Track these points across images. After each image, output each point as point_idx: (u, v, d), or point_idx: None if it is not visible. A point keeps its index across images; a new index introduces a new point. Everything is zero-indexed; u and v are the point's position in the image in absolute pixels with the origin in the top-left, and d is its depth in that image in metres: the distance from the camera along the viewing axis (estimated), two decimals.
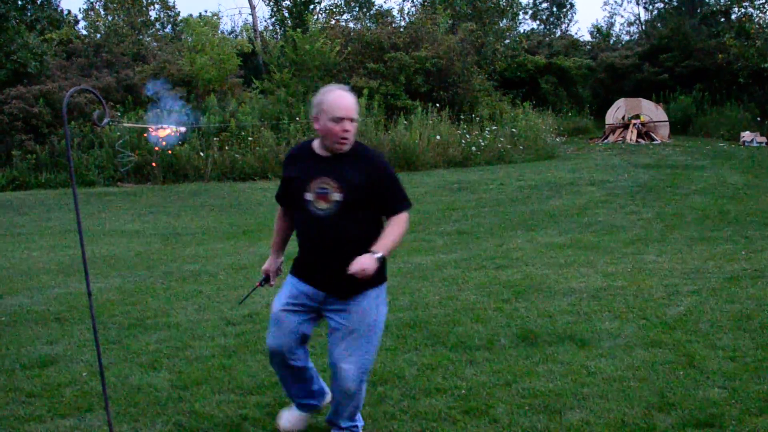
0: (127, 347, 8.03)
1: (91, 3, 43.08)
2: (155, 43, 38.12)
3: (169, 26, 45.98)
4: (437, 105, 29.59)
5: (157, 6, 44.42)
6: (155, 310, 9.51)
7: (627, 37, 61.09)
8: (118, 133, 23.67)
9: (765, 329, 8.08)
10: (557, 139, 33.45)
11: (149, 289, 10.58)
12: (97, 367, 7.23)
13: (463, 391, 6.56)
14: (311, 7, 38.95)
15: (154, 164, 22.78)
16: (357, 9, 48.09)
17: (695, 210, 16.31)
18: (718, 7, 50.40)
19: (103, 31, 35.95)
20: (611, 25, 64.16)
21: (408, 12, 43.54)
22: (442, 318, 8.84)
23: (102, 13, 41.51)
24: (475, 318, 8.78)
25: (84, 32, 39.11)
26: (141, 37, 38.21)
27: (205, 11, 61.47)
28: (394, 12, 45.73)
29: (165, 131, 7.06)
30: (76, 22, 42.53)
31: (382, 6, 47.60)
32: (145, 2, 42.52)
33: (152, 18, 44.16)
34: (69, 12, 42.69)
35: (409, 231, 14.46)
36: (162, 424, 6.10)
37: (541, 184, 21.34)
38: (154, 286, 10.80)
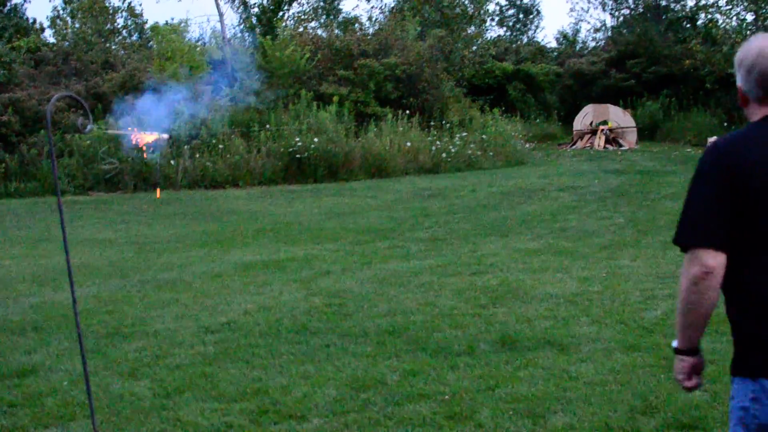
0: (106, 355, 8.01)
1: (58, 11, 42.95)
2: (123, 51, 38.00)
3: (136, 34, 45.86)
4: (407, 112, 29.62)
5: (124, 14, 44.30)
6: (132, 318, 9.48)
7: (593, 44, 61.35)
8: (88, 141, 23.54)
9: None
10: (526, 146, 33.57)
11: (125, 298, 10.54)
12: (77, 375, 7.25)
13: (447, 397, 6.59)
14: (280, 14, 38.97)
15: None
16: (325, 17, 48.09)
17: (667, 215, 16.38)
18: (683, 13, 50.77)
19: (71, 39, 35.76)
20: (577, 31, 64.35)
21: (376, 19, 43.69)
22: (421, 324, 8.86)
23: (69, 21, 41.39)
24: (454, 324, 8.82)
25: (52, 40, 38.93)
26: (108, 44, 38.06)
27: (172, 19, 61.38)
28: (363, 19, 45.76)
29: (151, 137, 7.02)
30: (42, 30, 42.36)
31: (349, 13, 47.46)
32: (111, 10, 42.43)
33: (119, 26, 44.03)
34: (35, 20, 42.54)
35: (382, 237, 14.54)
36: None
37: (512, 190, 21.43)
38: (130, 294, 10.76)
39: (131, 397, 6.82)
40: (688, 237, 3.42)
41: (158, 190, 17.81)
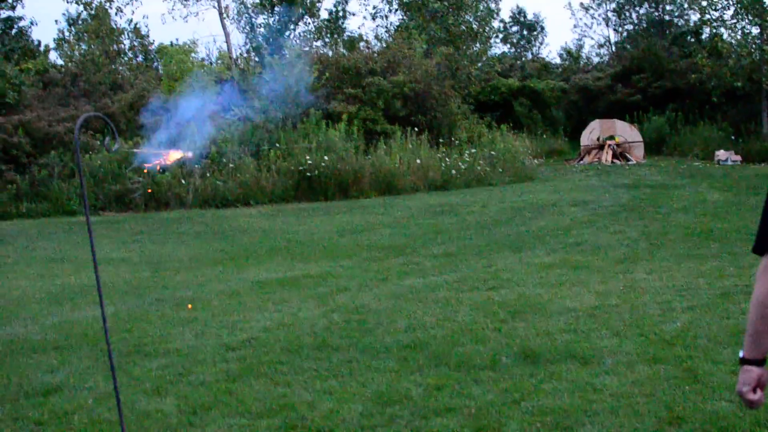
0: (129, 373, 8.02)
1: (63, 33, 43.08)
2: (129, 72, 38.10)
3: (141, 55, 45.96)
4: (416, 129, 29.71)
5: (130, 35, 44.41)
6: (152, 336, 9.50)
7: (597, 59, 61.51)
8: (99, 162, 23.63)
9: None
10: (534, 161, 33.62)
11: (143, 316, 10.56)
12: (101, 393, 7.29)
13: (473, 410, 6.59)
14: (286, 34, 39.13)
15: (149, 190, 22.76)
16: (329, 36, 48.23)
17: (679, 228, 16.43)
18: (687, 27, 50.90)
19: (78, 60, 35.87)
20: (580, 47, 64.57)
21: (380, 37, 43.83)
22: (441, 339, 8.87)
23: (74, 43, 41.50)
24: (475, 338, 8.82)
25: (60, 62, 39.08)
26: (114, 66, 38.18)
27: (177, 40, 61.60)
28: (370, 37, 45.90)
29: (176, 155, 7.01)
30: (47, 51, 42.53)
31: (354, 32, 47.60)
32: (117, 32, 42.55)
33: (125, 47, 44.15)
34: (39, 42, 42.71)
35: (396, 254, 14.55)
36: None
37: (523, 205, 21.46)
38: (148, 312, 10.78)
39: (158, 414, 6.84)
40: (765, 244, 3.46)
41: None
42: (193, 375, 7.91)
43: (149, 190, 23.17)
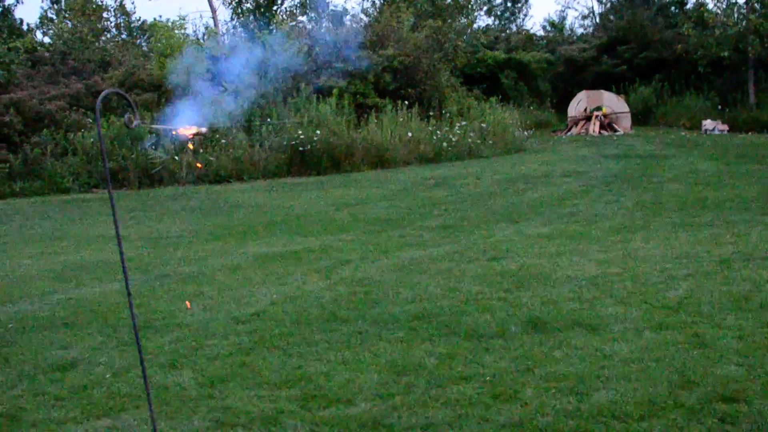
0: (143, 348, 8.10)
1: (45, 12, 42.92)
2: (115, 50, 37.96)
3: (125, 32, 45.78)
4: (406, 102, 29.76)
5: (115, 12, 44.24)
6: (161, 312, 9.59)
7: (581, 30, 61.50)
8: (92, 140, 23.66)
9: (765, 309, 8.31)
10: (524, 133, 33.73)
11: (150, 292, 10.64)
12: (117, 368, 7.41)
13: (488, 378, 6.72)
14: (274, 8, 39.04)
15: (199, 165, 22.81)
16: (313, 11, 48.06)
17: (673, 197, 16.58)
18: None
19: (67, 39, 35.74)
20: (563, 18, 64.52)
21: (367, 11, 43.74)
22: (448, 309, 8.99)
23: (56, 20, 41.37)
24: (481, 308, 8.94)
25: (47, 40, 38.95)
26: (100, 44, 38.04)
27: (159, 16, 61.27)
28: (356, 11, 45.80)
29: (192, 130, 7.06)
30: (30, 30, 42.32)
31: (337, 6, 47.43)
32: (102, 8, 42.39)
33: (111, 24, 44.01)
34: (21, 21, 42.51)
35: (393, 226, 14.64)
36: (199, 420, 6.21)
37: (515, 177, 21.59)
38: (154, 288, 10.86)
39: (176, 387, 6.94)
40: None
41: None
42: (206, 348, 8.01)
43: (199, 165, 23.23)
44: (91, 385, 7.09)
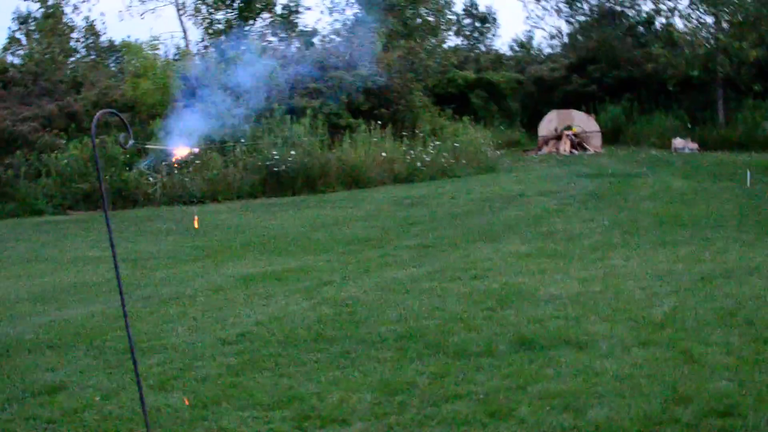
0: (130, 370, 8.03)
1: (13, 33, 42.72)
2: (86, 70, 37.82)
3: (94, 53, 45.58)
4: (379, 122, 29.81)
5: (84, 32, 44.07)
6: (146, 333, 9.54)
7: (549, 50, 61.78)
8: (65, 161, 23.55)
9: (751, 325, 8.40)
10: (497, 153, 33.85)
11: (133, 314, 10.54)
12: (107, 390, 7.37)
13: (481, 396, 6.74)
14: (245, 29, 39.06)
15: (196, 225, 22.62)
16: (284, 31, 48.10)
17: (649, 215, 16.71)
18: (639, 18, 51.36)
19: (37, 60, 35.60)
20: (530, 38, 64.74)
21: (339, 32, 43.80)
22: (434, 328, 9.01)
23: (24, 42, 41.19)
24: (467, 327, 8.97)
25: (17, 61, 38.73)
26: (71, 64, 37.91)
27: (128, 36, 61.06)
28: (326, 32, 45.90)
29: (185, 151, 7.07)
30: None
31: (307, 26, 47.32)
32: (71, 29, 42.23)
33: (81, 45, 43.86)
34: None
35: (371, 247, 14.64)
36: None
37: (491, 196, 21.66)
38: (137, 310, 10.80)
39: (168, 409, 6.91)
40: None
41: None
42: (194, 370, 7.98)
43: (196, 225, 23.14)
44: (82, 408, 7.04)
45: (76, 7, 41.09)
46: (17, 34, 43.33)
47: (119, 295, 11.15)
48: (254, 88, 27.11)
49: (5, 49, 42.33)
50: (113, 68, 41.70)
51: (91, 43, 45.02)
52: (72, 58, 40.83)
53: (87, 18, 43.43)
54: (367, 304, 10.35)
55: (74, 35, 43.16)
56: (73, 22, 41.92)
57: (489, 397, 6.70)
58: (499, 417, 6.29)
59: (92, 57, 44.36)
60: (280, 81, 29.13)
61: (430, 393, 6.91)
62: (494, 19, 69.05)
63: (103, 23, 67.23)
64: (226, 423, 6.50)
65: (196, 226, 9.74)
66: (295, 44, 42.52)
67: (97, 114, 5.62)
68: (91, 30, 44.49)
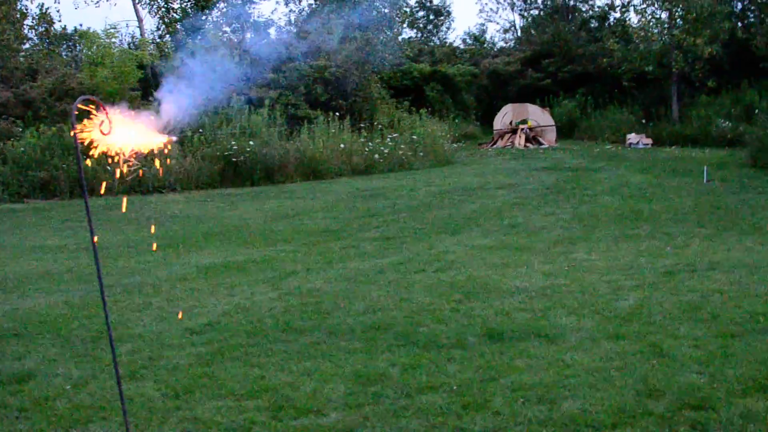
0: (99, 359, 8.02)
1: None
2: (40, 57, 37.46)
3: (47, 40, 45.08)
4: (337, 114, 29.78)
5: (37, 19, 43.60)
6: (112, 322, 9.40)
7: (503, 44, 62.06)
8: (22, 149, 23.29)
9: (716, 318, 8.50)
10: (453, 146, 33.93)
11: (97, 303, 10.44)
12: (76, 379, 7.33)
13: (455, 387, 6.77)
14: (202, 18, 38.81)
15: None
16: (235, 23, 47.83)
17: (609, 209, 16.84)
18: (593, 12, 51.72)
19: None
20: (483, 32, 64.99)
21: (296, 22, 43.70)
22: (403, 320, 9.04)
23: None
24: (436, 319, 9.01)
25: None
26: (22, 52, 37.52)
27: (80, 25, 60.50)
28: (282, 23, 45.77)
29: (165, 138, 7.00)
30: None
31: (262, 16, 47.08)
32: (24, 16, 41.75)
33: (35, 33, 43.39)
34: None
35: (334, 238, 14.63)
36: (170, 431, 6.18)
37: (450, 189, 21.71)
38: (101, 299, 10.73)
39: (141, 398, 6.88)
40: None
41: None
42: (164, 359, 7.95)
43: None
44: (53, 396, 7.00)
45: None
46: None
47: (84, 285, 11.18)
48: (211, 78, 27.04)
49: None
50: (66, 56, 41.32)
51: (44, 30, 44.53)
52: (25, 46, 40.39)
53: (41, 5, 42.80)
54: (333, 295, 10.37)
55: (27, 22, 42.68)
56: (27, 9, 41.44)
57: (462, 389, 6.73)
58: (473, 408, 6.32)
59: (46, 45, 43.91)
60: (237, 72, 29.00)
61: (404, 384, 6.93)
62: (448, 12, 69.31)
63: (58, 11, 66.63)
64: (200, 413, 6.49)
65: (154, 248, 9.71)
66: (251, 34, 42.35)
67: (76, 101, 5.58)
68: (44, 17, 44.00)
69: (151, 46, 37.97)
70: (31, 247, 15.25)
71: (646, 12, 38.24)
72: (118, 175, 7.11)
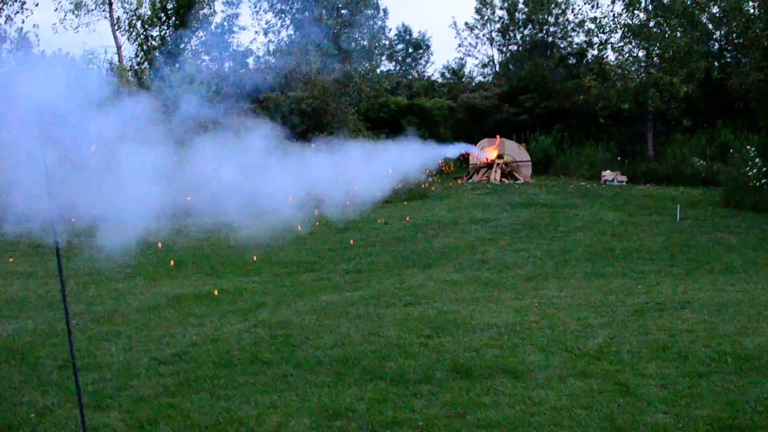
0: (66, 388, 7.97)
1: None
2: None
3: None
4: (313, 145, 29.74)
5: (15, 43, 43.51)
6: (80, 351, 9.38)
7: (481, 78, 62.21)
8: None
9: (684, 358, 8.51)
10: (429, 179, 33.95)
11: (65, 331, 10.44)
12: (40, 408, 7.27)
13: (420, 423, 6.77)
14: (181, 46, 38.83)
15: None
16: (217, 51, 47.86)
17: (581, 246, 16.86)
18: (571, 49, 51.98)
19: None
20: (462, 66, 65.10)
21: (274, 53, 43.75)
22: (371, 354, 9.02)
23: None
24: (404, 353, 8.99)
25: None
26: None
27: (59, 50, 60.36)
28: (261, 53, 45.84)
29: None
30: None
31: (241, 46, 47.12)
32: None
33: (12, 57, 43.26)
34: None
35: (305, 269, 14.58)
36: None
37: (423, 222, 21.68)
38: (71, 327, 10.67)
39: (105, 428, 6.86)
40: None
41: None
42: (130, 389, 7.92)
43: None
44: (16, 425, 6.98)
45: (9, 18, 40.41)
46: None
47: (53, 312, 11.10)
48: (188, 107, 26.99)
49: None
50: None
51: (23, 54, 44.39)
52: (3, 70, 40.20)
53: (20, 29, 42.72)
54: (302, 328, 10.34)
55: (5, 46, 42.55)
56: (6, 33, 41.31)
57: (428, 425, 6.73)
58: None
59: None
60: (214, 100, 29.04)
61: (369, 419, 6.92)
62: (427, 46, 69.42)
63: (36, 36, 66.46)
64: None
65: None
66: (230, 64, 42.43)
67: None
68: (23, 41, 43.89)
69: (129, 74, 37.84)
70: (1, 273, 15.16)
71: (623, 50, 38.41)
72: None
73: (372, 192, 16.24)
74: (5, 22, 39.20)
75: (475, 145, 39.33)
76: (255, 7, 46.05)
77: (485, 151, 35.70)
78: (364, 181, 15.49)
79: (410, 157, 19.05)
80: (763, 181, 23.29)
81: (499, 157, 37.80)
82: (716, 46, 41.02)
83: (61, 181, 7.45)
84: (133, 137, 9.53)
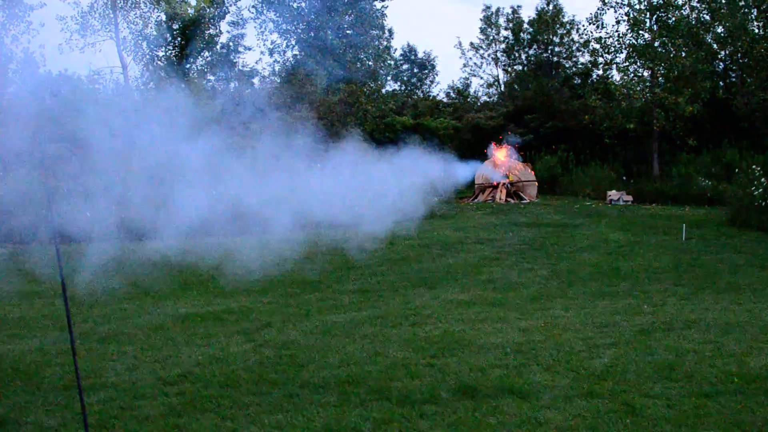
0: (71, 408, 7.98)
1: None
2: None
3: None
4: (319, 165, 29.78)
5: (20, 63, 43.66)
6: (85, 371, 9.43)
7: (486, 98, 62.27)
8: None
9: (690, 378, 8.50)
10: (435, 199, 33.93)
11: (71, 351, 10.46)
12: (47, 427, 7.30)
13: None
14: (187, 66, 39.04)
15: None
16: (222, 70, 48.02)
17: (587, 266, 16.83)
18: (576, 69, 52.08)
19: None
20: (467, 86, 65.20)
21: (279, 73, 43.87)
22: (377, 374, 9.02)
23: None
24: (410, 374, 8.99)
25: None
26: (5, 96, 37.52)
27: (65, 70, 60.51)
28: (266, 72, 45.99)
29: None
30: None
31: (246, 65, 47.31)
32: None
33: (18, 78, 43.42)
34: None
35: (311, 289, 14.57)
36: None
37: (429, 243, 21.67)
38: (76, 347, 10.67)
39: None
40: None
41: None
42: (136, 410, 7.92)
43: None
44: None
45: (16, 38, 40.55)
46: None
47: (59, 332, 11.10)
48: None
49: None
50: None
51: (29, 75, 44.53)
52: (9, 90, 40.36)
53: (26, 49, 42.87)
54: (308, 348, 10.33)
55: (11, 66, 42.70)
56: (11, 53, 41.44)
57: None
58: None
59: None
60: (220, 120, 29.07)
61: None
62: (433, 66, 69.60)
63: (42, 56, 66.64)
64: None
65: None
66: (235, 83, 42.57)
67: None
68: (29, 62, 44.05)
69: (135, 94, 37.92)
70: (8, 293, 15.16)
71: (628, 70, 38.51)
72: None
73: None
74: (11, 42, 39.29)
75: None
76: (260, 27, 46.14)
77: (493, 151, 35.84)
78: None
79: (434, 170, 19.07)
80: None
81: (505, 176, 37.80)
82: (721, 65, 41.10)
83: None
84: None
